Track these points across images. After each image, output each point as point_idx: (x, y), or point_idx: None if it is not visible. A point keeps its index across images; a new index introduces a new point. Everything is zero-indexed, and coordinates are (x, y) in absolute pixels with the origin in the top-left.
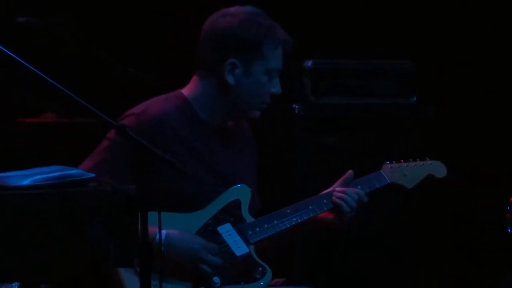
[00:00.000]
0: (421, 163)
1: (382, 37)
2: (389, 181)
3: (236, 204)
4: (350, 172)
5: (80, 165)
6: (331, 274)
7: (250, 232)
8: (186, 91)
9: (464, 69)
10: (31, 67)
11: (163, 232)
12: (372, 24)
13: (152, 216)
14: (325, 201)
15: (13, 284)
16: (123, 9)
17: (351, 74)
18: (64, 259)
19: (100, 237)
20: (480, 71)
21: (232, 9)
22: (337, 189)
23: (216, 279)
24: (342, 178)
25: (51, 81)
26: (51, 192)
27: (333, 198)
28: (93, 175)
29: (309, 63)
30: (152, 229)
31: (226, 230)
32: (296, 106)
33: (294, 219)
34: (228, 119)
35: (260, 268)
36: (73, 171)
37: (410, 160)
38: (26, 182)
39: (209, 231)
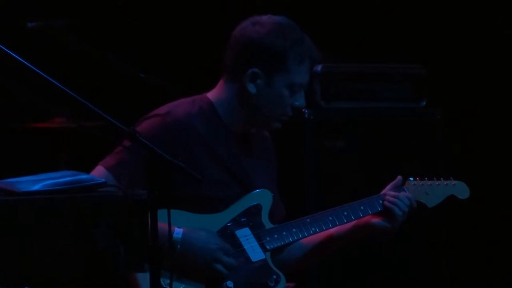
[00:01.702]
0: (445, 183)
1: (392, 41)
2: None
3: (257, 209)
4: (399, 177)
5: (101, 162)
6: (342, 279)
7: (268, 238)
8: (211, 94)
9: (473, 72)
10: (39, 72)
11: (180, 230)
12: (381, 29)
13: (171, 214)
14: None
15: None
16: (132, 13)
17: (361, 78)
18: (74, 263)
19: (110, 242)
20: (489, 74)
21: (263, 18)
22: (388, 192)
23: (229, 283)
24: (392, 183)
25: (61, 86)
26: (61, 198)
27: (385, 202)
28: (103, 180)
29: (318, 68)
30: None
31: (244, 235)
32: (306, 111)
33: (313, 229)
34: (250, 127)
35: (275, 276)
36: (84, 176)
37: (434, 178)
38: (36, 187)
39: (227, 234)
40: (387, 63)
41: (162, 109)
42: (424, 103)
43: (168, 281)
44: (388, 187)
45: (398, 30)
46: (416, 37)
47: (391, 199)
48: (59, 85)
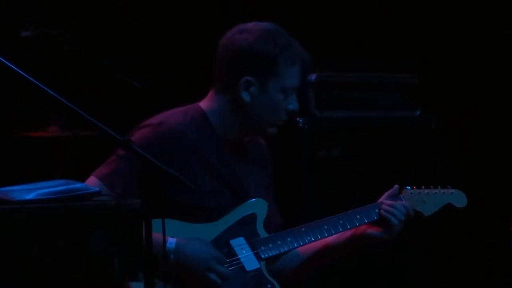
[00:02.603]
0: (442, 191)
1: (386, 50)
2: None
3: (252, 218)
4: (396, 186)
5: (94, 172)
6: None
7: (263, 247)
8: (203, 104)
9: (467, 78)
10: (34, 81)
11: (174, 240)
12: (375, 38)
13: (165, 224)
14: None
15: None
16: (128, 20)
17: (355, 87)
18: (68, 272)
19: (104, 251)
20: (483, 82)
21: (250, 25)
22: (384, 201)
23: None
24: (388, 192)
25: (55, 94)
26: (55, 206)
27: (381, 211)
28: (97, 189)
29: (312, 77)
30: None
31: (239, 244)
32: (300, 120)
33: (308, 238)
34: (244, 135)
35: (269, 285)
36: (77, 185)
37: (431, 186)
38: (30, 196)
39: (221, 243)
40: (381, 72)
41: (155, 119)
42: (418, 112)
43: None
44: (384, 196)
45: (391, 39)
46: (410, 45)
47: (387, 208)
48: (53, 94)
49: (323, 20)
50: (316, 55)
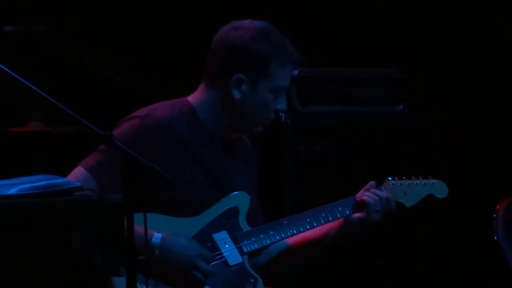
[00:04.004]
0: (423, 182)
1: (369, 45)
2: None
3: (234, 211)
4: (372, 182)
5: (80, 163)
6: (318, 279)
7: (245, 241)
8: (192, 98)
9: (453, 75)
10: (15, 75)
11: (159, 235)
12: (358, 33)
13: (148, 218)
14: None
15: None
16: (114, 15)
17: (338, 82)
18: (50, 268)
19: (86, 246)
20: (466, 78)
21: (245, 23)
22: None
23: None
24: (365, 188)
25: (36, 89)
26: (37, 202)
27: (357, 198)
28: (79, 184)
29: (295, 72)
30: (149, 231)
31: (222, 238)
32: (283, 115)
33: (291, 231)
34: (232, 131)
35: (252, 280)
36: (59, 180)
37: (413, 177)
38: (12, 191)
39: (204, 238)
40: (363, 67)
41: (141, 111)
42: (401, 107)
43: (144, 286)
44: (361, 191)
45: (375, 34)
46: (393, 41)
47: (362, 193)
48: (35, 89)
49: (305, 15)
50: (298, 50)
